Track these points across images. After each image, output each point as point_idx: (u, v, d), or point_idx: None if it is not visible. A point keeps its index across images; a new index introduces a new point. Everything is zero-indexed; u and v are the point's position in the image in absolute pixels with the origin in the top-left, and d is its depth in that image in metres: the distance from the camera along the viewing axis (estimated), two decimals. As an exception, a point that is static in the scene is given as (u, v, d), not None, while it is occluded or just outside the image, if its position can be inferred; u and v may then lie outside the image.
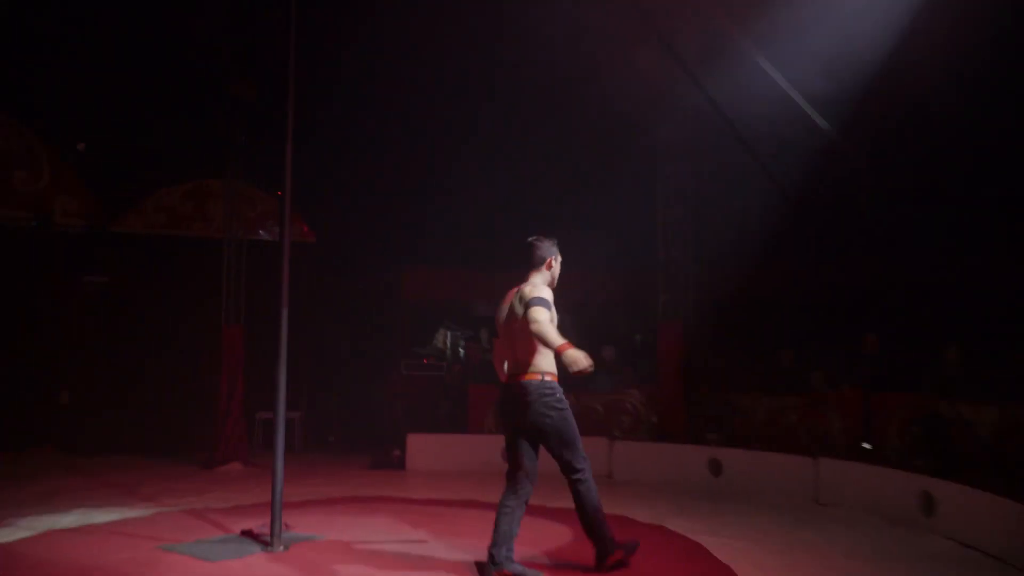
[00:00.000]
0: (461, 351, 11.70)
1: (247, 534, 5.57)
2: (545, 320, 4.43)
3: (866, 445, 7.29)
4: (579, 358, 4.32)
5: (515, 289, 4.80)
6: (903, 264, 10.25)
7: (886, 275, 10.38)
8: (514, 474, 4.68)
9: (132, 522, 6.13)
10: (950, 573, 4.84)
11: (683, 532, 5.88)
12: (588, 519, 4.66)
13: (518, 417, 4.63)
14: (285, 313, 5.41)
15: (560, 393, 4.64)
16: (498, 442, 8.99)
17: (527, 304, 4.51)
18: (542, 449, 4.72)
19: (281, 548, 5.16)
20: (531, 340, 4.52)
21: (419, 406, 10.85)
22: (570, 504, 4.72)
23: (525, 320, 4.49)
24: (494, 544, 4.53)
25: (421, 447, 9.32)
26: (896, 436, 7.09)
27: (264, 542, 5.24)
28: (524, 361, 4.63)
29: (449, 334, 12.52)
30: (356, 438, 11.15)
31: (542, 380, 4.59)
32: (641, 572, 4.78)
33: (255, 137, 9.73)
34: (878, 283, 10.47)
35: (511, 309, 4.72)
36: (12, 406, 10.05)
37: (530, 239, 4.87)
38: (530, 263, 4.82)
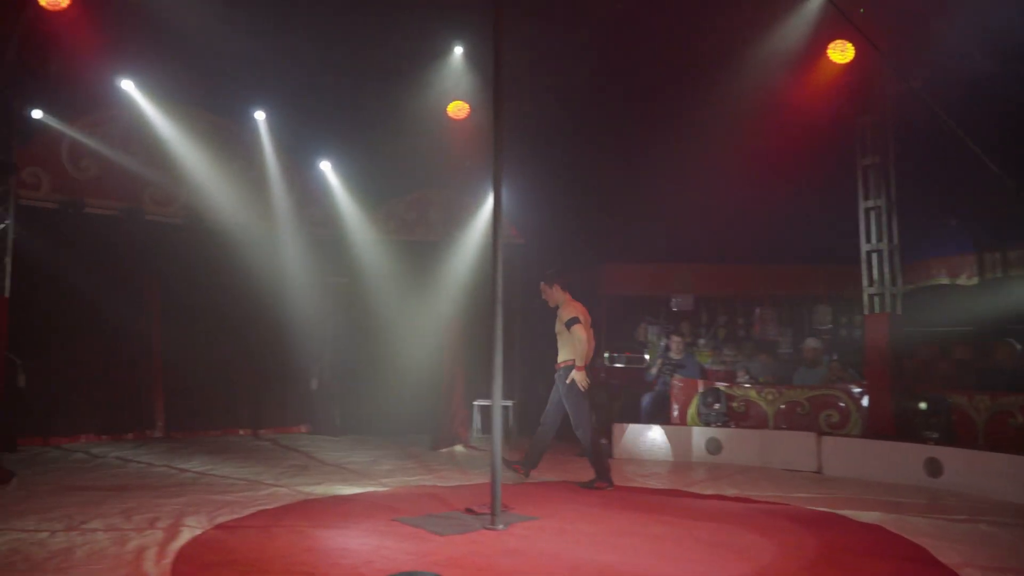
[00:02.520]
0: (662, 344, 11.37)
1: (470, 511, 5.63)
2: None
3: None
4: None
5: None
6: None
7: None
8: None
9: (371, 495, 6.40)
10: None
11: (902, 534, 5.27)
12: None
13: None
14: (499, 309, 5.39)
15: None
16: (702, 434, 8.72)
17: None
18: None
19: (501, 526, 5.16)
20: None
21: (623, 396, 10.66)
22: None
23: None
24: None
25: (626, 436, 9.12)
26: None
27: (486, 520, 5.26)
28: None
29: (650, 328, 12.22)
30: (565, 426, 11.08)
31: None
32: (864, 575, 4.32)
33: (465, 150, 9.94)
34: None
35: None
36: (276, 391, 11.08)
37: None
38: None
